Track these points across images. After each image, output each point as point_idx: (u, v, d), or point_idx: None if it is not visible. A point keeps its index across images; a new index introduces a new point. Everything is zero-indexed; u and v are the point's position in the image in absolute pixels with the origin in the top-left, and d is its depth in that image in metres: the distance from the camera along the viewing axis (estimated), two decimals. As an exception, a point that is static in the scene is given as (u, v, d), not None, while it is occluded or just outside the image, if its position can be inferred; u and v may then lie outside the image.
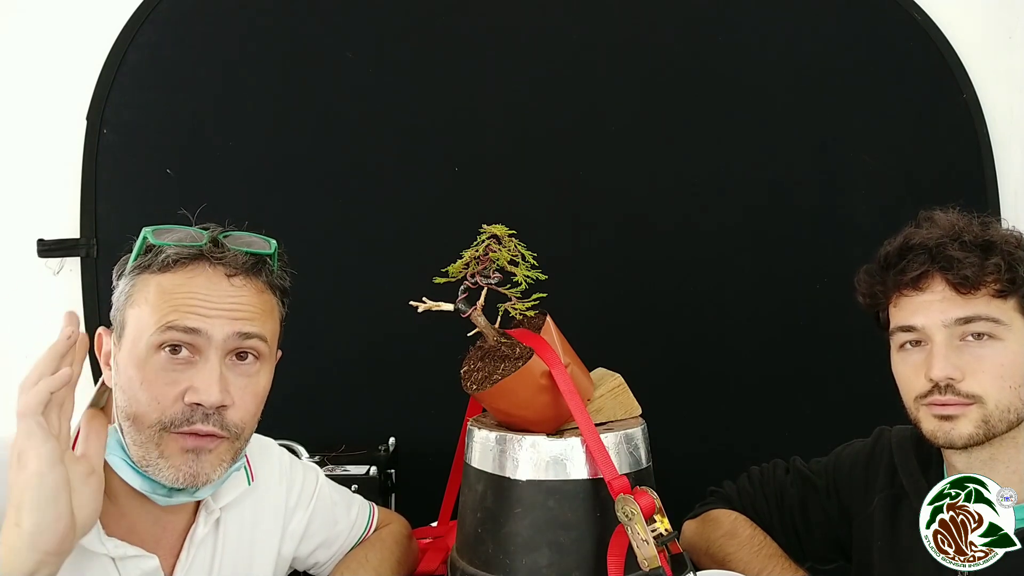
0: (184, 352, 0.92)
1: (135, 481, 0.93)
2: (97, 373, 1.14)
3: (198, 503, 1.03)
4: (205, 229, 0.98)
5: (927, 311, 1.07)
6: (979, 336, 1.05)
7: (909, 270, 1.08)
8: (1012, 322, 1.05)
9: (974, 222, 1.10)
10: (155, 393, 0.91)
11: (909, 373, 1.10)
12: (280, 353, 1.05)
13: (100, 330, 1.00)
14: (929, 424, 1.07)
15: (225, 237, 0.98)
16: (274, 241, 1.01)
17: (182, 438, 0.91)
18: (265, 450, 1.15)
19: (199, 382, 0.91)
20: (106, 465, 0.93)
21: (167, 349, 0.92)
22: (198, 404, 0.91)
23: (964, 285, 1.04)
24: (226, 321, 0.93)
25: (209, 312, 0.92)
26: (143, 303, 0.93)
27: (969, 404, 1.04)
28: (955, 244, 1.06)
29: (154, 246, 0.95)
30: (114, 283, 0.98)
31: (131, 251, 0.97)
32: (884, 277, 1.13)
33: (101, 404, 1.01)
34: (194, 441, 0.92)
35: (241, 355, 0.96)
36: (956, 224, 1.09)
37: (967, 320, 1.05)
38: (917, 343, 1.09)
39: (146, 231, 0.96)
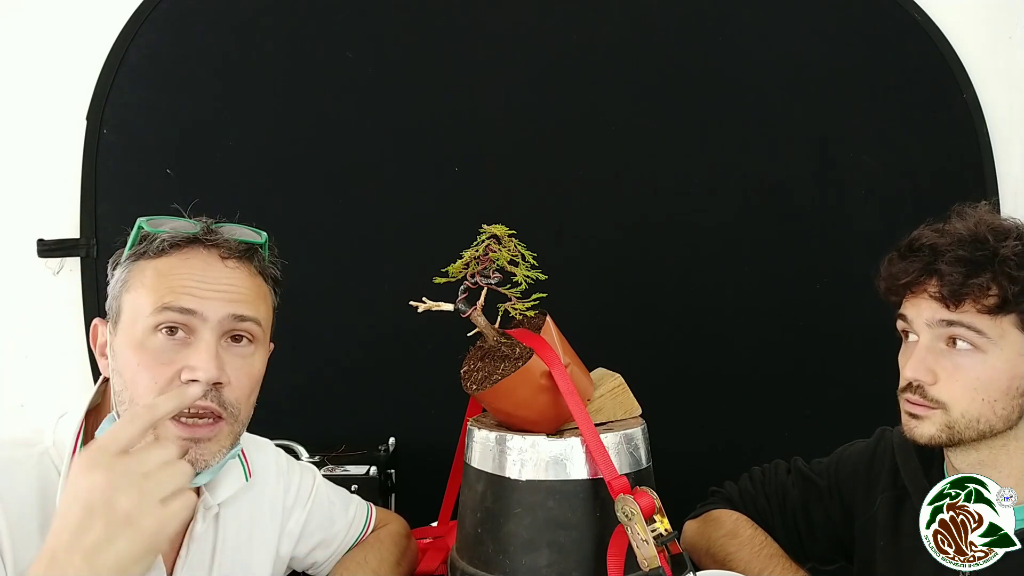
0: (180, 333, 0.93)
1: None
2: (96, 372, 1.14)
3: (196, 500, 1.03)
4: (198, 220, 1.00)
5: (918, 308, 1.08)
6: (959, 343, 1.04)
7: (904, 275, 1.09)
8: (1001, 337, 1.03)
9: (991, 232, 1.05)
10: (153, 374, 0.92)
11: (902, 363, 1.11)
12: (273, 346, 1.05)
13: (96, 321, 1.01)
14: (902, 416, 1.10)
15: (217, 227, 1.00)
16: (264, 233, 1.04)
17: (180, 427, 0.92)
18: (261, 449, 1.16)
19: (195, 360, 0.92)
20: None
21: (164, 330, 0.93)
22: (194, 381, 0.92)
23: (946, 299, 1.04)
24: (221, 303, 0.95)
25: (205, 293, 0.94)
26: (139, 287, 0.95)
27: (933, 408, 1.05)
28: (948, 256, 1.04)
29: (148, 235, 0.97)
30: (109, 275, 1.00)
31: (126, 244, 0.99)
32: (892, 271, 1.12)
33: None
34: (190, 431, 0.92)
35: (236, 337, 0.97)
36: (968, 231, 1.06)
37: (951, 323, 1.04)
38: (910, 335, 1.10)
39: (141, 221, 0.98)
